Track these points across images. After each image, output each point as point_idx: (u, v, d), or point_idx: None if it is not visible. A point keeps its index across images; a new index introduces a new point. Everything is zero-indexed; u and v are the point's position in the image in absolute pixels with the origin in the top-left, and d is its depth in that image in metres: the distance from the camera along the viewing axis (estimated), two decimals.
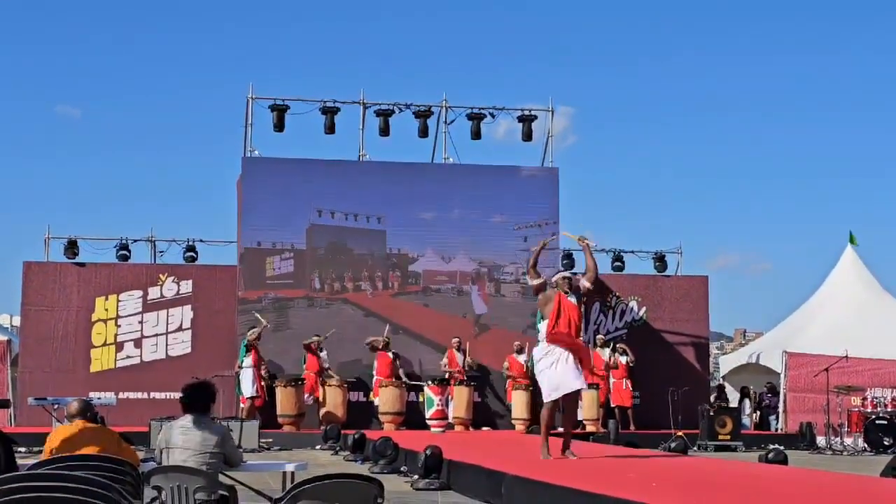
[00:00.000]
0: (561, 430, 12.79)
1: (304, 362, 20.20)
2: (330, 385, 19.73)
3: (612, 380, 21.21)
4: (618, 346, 21.71)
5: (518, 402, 20.09)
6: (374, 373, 20.22)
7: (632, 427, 20.67)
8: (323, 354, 20.25)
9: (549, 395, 11.56)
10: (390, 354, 20.32)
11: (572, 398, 12.01)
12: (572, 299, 11.63)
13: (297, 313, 21.04)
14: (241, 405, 19.57)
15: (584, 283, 11.91)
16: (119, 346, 21.30)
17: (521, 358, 20.48)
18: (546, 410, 11.75)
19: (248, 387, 19.44)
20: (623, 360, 21.32)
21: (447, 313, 21.59)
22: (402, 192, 21.65)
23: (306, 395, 19.83)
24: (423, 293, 21.60)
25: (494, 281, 21.83)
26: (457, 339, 20.81)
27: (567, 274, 12.12)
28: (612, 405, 21.11)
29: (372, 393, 20.35)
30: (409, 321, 21.33)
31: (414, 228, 21.64)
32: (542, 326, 11.75)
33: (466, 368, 20.63)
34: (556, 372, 11.41)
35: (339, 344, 20.60)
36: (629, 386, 21.25)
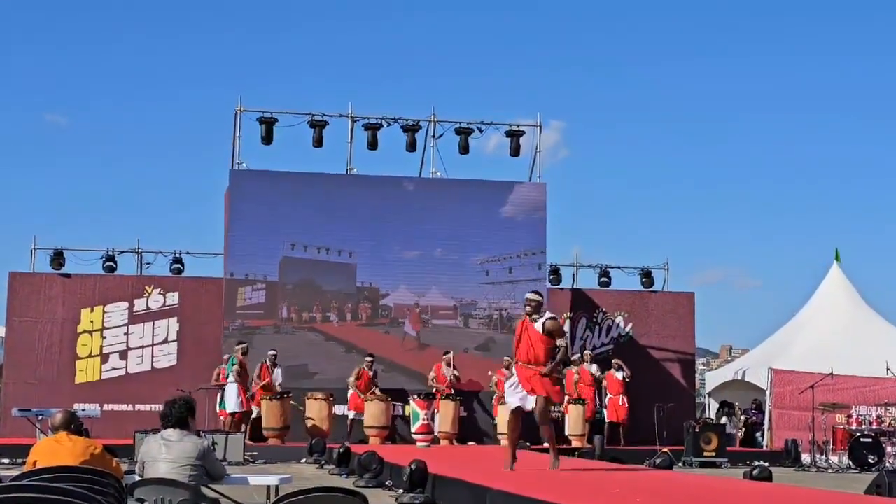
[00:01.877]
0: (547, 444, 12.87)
1: (259, 374, 19.95)
2: (315, 398, 19.67)
3: (607, 396, 21.31)
4: (614, 361, 21.75)
5: (503, 417, 20.07)
6: (354, 387, 20.18)
7: (623, 443, 20.68)
8: (277, 371, 20.10)
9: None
10: (370, 372, 20.34)
11: (540, 414, 11.80)
12: (538, 325, 11.53)
13: (263, 338, 20.82)
14: (222, 418, 19.47)
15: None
16: (104, 358, 21.25)
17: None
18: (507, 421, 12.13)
19: (231, 403, 19.35)
20: (619, 376, 21.35)
21: (395, 335, 21.66)
22: (382, 220, 21.61)
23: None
24: (390, 324, 21.66)
25: (464, 315, 21.85)
26: (448, 355, 20.78)
27: (530, 296, 11.64)
28: (607, 420, 21.19)
29: (348, 406, 20.29)
30: (365, 344, 21.18)
31: (388, 264, 21.66)
32: None
33: (453, 382, 20.63)
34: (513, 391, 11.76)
35: (290, 358, 20.55)
36: (626, 402, 21.26)
